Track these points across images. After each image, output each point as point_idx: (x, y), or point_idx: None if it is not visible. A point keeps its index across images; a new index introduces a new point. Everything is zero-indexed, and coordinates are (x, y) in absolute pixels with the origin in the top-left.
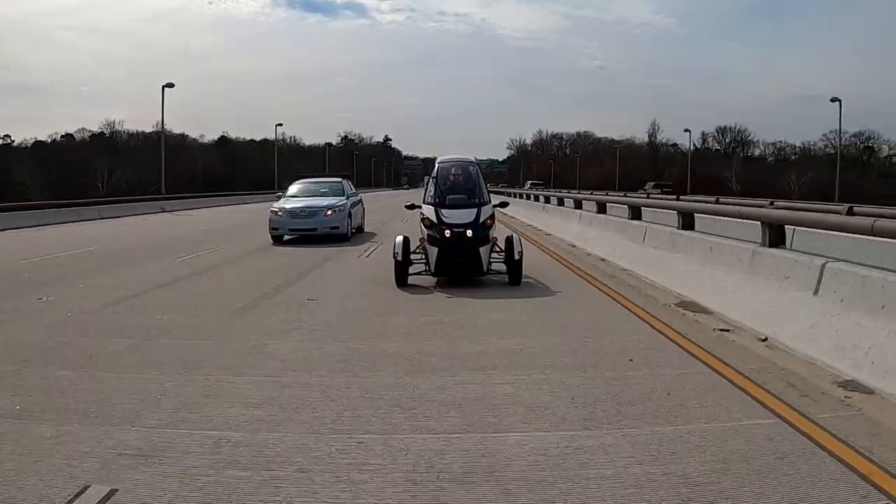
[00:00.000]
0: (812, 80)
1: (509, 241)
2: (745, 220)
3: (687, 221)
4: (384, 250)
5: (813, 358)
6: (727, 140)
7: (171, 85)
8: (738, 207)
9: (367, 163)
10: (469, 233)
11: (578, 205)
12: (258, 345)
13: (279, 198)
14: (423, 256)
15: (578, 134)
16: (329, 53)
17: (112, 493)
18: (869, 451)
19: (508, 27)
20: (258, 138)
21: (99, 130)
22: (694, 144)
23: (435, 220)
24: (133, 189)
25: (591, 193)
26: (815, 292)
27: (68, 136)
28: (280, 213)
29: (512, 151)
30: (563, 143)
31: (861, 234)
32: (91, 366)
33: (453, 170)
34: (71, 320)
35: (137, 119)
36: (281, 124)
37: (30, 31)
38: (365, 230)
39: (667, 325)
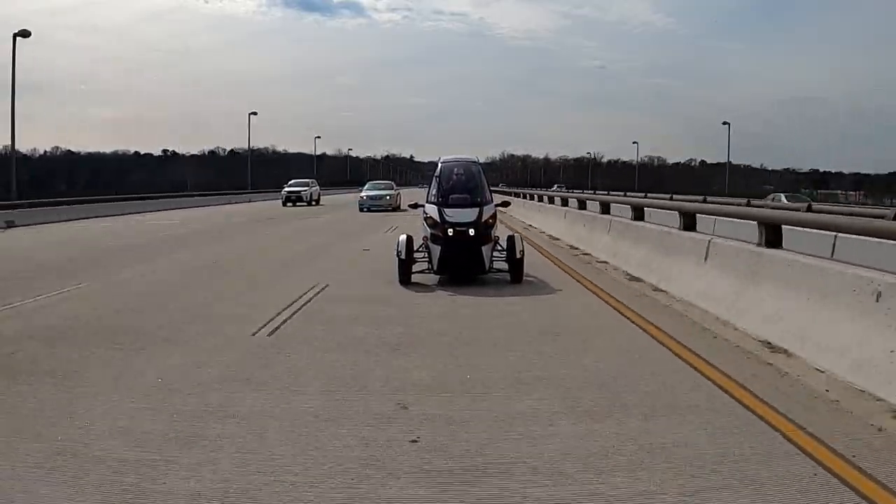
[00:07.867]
0: (810, 80)
1: (511, 239)
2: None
3: (540, 199)
4: (410, 215)
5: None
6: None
7: (318, 137)
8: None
9: (400, 170)
10: (471, 232)
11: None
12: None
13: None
14: (426, 255)
15: (525, 155)
16: (328, 53)
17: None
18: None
19: (507, 27)
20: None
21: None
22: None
23: (438, 220)
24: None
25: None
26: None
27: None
28: (365, 198)
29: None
30: (516, 159)
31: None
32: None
33: (456, 169)
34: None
35: (138, 117)
36: (351, 149)
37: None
38: (402, 207)
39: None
